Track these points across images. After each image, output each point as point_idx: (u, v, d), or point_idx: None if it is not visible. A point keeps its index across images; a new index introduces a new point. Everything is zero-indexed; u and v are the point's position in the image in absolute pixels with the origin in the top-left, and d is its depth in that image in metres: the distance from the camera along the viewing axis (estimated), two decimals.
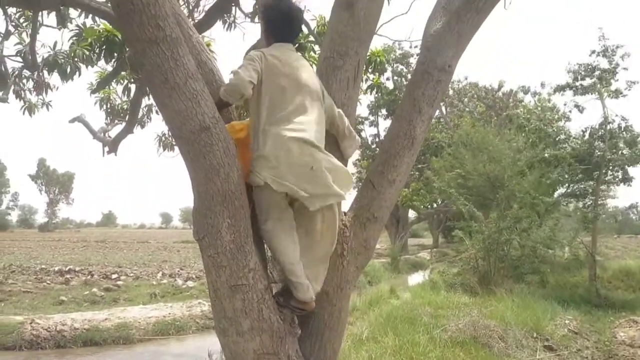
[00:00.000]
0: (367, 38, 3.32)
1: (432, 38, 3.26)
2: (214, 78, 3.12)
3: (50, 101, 6.99)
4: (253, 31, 7.60)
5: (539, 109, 17.00)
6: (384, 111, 32.46)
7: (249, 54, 2.93)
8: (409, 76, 29.17)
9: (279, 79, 2.85)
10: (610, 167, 14.31)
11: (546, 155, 14.05)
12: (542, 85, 24.04)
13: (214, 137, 2.63)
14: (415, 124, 3.18)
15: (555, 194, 15.39)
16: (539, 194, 13.45)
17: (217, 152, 2.64)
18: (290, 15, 3.12)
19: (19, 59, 5.84)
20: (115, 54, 5.28)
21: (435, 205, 30.36)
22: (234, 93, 2.80)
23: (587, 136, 14.46)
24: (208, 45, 5.88)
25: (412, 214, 34.03)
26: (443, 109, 30.91)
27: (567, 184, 14.97)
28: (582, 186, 14.84)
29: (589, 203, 14.90)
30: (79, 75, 5.65)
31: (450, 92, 30.86)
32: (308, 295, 2.86)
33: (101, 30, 5.26)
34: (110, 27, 5.11)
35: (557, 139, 14.51)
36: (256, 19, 7.09)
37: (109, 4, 4.32)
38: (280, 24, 3.11)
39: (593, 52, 14.11)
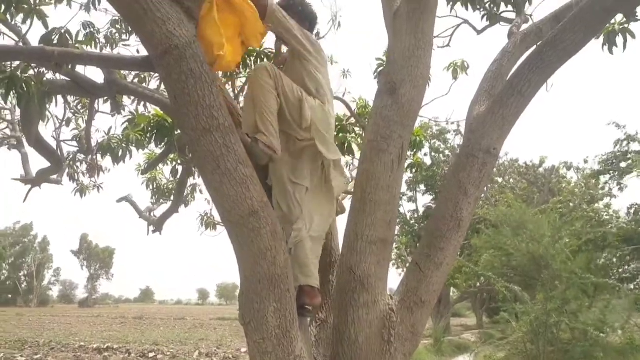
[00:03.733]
0: (410, 122, 3.38)
1: (476, 121, 3.30)
2: None
3: (101, 183, 7.28)
4: None
5: (582, 186, 16.69)
6: (422, 187, 32.36)
7: None
8: (447, 152, 29.30)
9: None
10: None
11: (591, 237, 13.66)
12: (585, 161, 23.74)
13: (262, 221, 2.67)
14: (461, 206, 3.16)
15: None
16: (587, 274, 12.95)
17: (264, 235, 2.68)
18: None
19: (74, 143, 6.15)
20: (165, 138, 5.49)
21: (478, 284, 29.46)
22: None
23: (632, 215, 14.07)
24: None
25: (454, 292, 33.04)
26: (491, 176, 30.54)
27: (616, 268, 14.42)
28: (632, 267, 14.26)
29: None
30: (130, 157, 5.89)
31: None
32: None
33: (152, 116, 5.53)
34: (161, 112, 5.36)
35: (601, 219, 14.16)
36: None
37: (162, 93, 4.56)
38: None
39: (618, 141, 14.09)
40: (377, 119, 3.33)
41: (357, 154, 5.90)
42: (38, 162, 5.84)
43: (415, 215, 32.21)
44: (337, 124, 6.20)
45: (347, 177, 3.58)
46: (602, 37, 4.41)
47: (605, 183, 15.07)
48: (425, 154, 29.00)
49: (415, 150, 7.75)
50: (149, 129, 5.55)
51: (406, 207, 33.49)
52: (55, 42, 3.96)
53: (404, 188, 32.76)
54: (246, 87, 3.36)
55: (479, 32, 4.94)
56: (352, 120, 6.27)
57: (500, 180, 31.15)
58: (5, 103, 5.96)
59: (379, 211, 3.17)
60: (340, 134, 6.05)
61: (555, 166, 29.90)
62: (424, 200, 31.59)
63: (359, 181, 3.29)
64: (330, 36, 8.58)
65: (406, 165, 8.14)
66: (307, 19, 3.63)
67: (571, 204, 14.90)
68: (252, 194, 2.66)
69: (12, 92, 3.90)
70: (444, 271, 3.17)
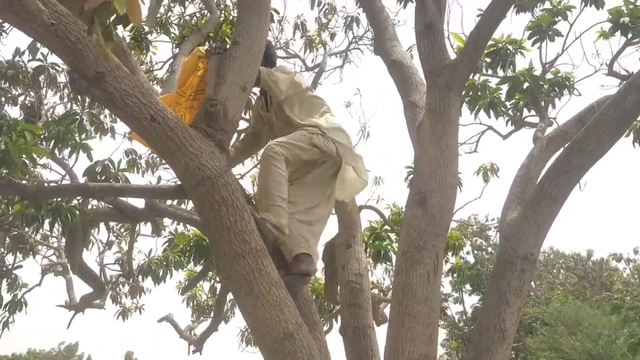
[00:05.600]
0: (442, 231, 3.36)
1: (509, 227, 3.28)
2: None
3: (142, 305, 7.34)
4: (330, 221, 7.85)
5: (636, 277, 15.92)
6: (468, 287, 31.34)
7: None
8: (490, 249, 28.60)
9: None
10: None
11: None
12: (635, 251, 22.77)
13: (297, 344, 2.63)
14: (504, 317, 3.06)
15: None
16: None
17: (300, 359, 2.62)
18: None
19: (116, 266, 6.32)
20: (204, 256, 5.59)
21: None
22: None
23: None
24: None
25: None
26: (532, 282, 29.51)
27: None
28: None
29: None
30: (170, 277, 5.98)
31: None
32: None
33: (191, 236, 5.67)
34: (199, 232, 5.50)
35: None
36: (333, 210, 7.41)
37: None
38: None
39: None
40: (409, 230, 3.33)
41: (394, 261, 5.84)
42: (82, 288, 5.98)
43: (464, 318, 30.95)
44: (372, 232, 6.22)
45: (365, 179, 3.51)
46: (631, 134, 4.43)
47: None
48: (468, 252, 28.39)
49: (454, 253, 7.62)
50: (188, 248, 5.67)
51: (453, 309, 32.30)
52: (98, 172, 4.20)
53: (448, 289, 31.77)
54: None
55: (504, 137, 5.03)
56: (387, 227, 6.28)
57: (548, 275, 29.99)
58: (51, 232, 6.22)
59: (419, 325, 3.08)
60: (376, 242, 6.04)
61: (604, 258, 28.73)
62: (471, 300, 30.45)
63: (395, 294, 3.24)
64: (360, 145, 8.83)
65: (448, 268, 7.99)
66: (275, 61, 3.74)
67: (627, 298, 14.12)
68: (287, 316, 2.64)
69: (57, 222, 4.09)
70: None
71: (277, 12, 7.40)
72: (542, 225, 3.16)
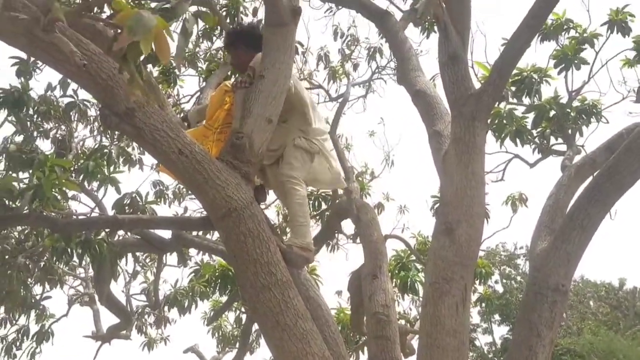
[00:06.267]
0: (470, 262, 3.31)
1: (539, 258, 3.22)
2: (322, 313, 3.20)
3: (168, 335, 7.36)
4: (356, 251, 7.83)
5: None
6: (497, 317, 30.66)
7: None
8: (519, 278, 28.01)
9: None
10: None
11: None
12: None
13: None
14: (536, 350, 2.98)
15: None
16: None
17: None
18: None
19: (142, 297, 6.36)
20: (229, 287, 5.60)
21: None
22: None
23: None
24: (313, 270, 6.12)
25: None
26: (563, 313, 28.72)
27: None
28: None
29: None
30: (195, 307, 5.99)
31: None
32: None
33: (216, 266, 5.69)
34: (225, 262, 5.51)
35: None
36: (358, 240, 7.39)
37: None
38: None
39: None
40: (436, 260, 3.28)
41: (421, 292, 5.76)
42: (109, 318, 6.02)
43: (493, 349, 30.20)
44: (397, 261, 6.17)
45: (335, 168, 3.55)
46: None
47: None
48: (496, 281, 27.86)
49: (482, 281, 7.49)
50: (214, 278, 5.69)
51: (482, 340, 31.58)
52: (127, 204, 4.26)
53: (477, 319, 31.12)
54: None
55: (531, 166, 4.97)
56: (413, 257, 6.21)
57: (579, 305, 29.19)
58: (80, 264, 6.30)
59: (447, 358, 3.02)
60: (402, 272, 5.97)
61: (637, 287, 27.88)
62: (501, 331, 29.74)
63: (423, 325, 3.19)
64: (384, 174, 8.82)
65: (476, 298, 7.84)
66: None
67: None
68: (314, 349, 2.63)
69: (87, 254, 4.15)
70: None
71: (301, 45, 7.51)
72: (573, 255, 3.10)
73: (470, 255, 3.27)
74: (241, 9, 6.36)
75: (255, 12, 6.99)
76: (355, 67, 8.72)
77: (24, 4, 1.72)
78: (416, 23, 6.24)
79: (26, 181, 3.93)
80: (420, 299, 5.95)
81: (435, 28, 6.07)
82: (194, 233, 5.80)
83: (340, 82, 8.46)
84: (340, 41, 8.39)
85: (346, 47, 8.59)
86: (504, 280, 28.50)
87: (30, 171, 4.48)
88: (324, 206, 7.33)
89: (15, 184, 3.63)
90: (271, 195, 6.94)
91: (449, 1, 3.62)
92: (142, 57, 1.40)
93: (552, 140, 4.84)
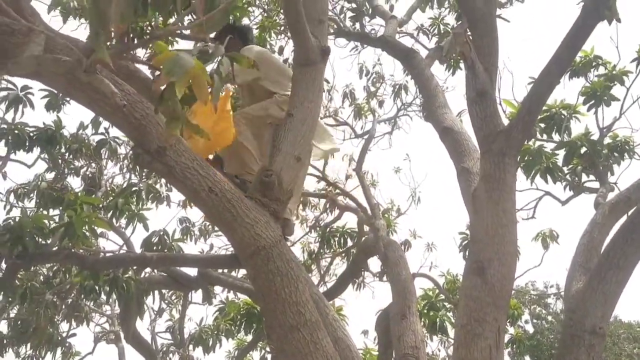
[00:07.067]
0: (504, 303, 3.22)
1: (575, 299, 3.12)
2: (351, 355, 3.12)
3: None
4: (382, 289, 7.74)
5: None
6: (527, 358, 29.73)
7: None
8: (549, 318, 27.22)
9: None
10: None
11: None
12: None
13: None
14: None
15: None
16: None
17: None
18: None
19: (168, 334, 6.33)
20: (255, 325, 5.55)
21: None
22: None
23: None
24: (339, 309, 6.03)
25: None
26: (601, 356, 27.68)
27: None
28: None
29: None
30: (220, 346, 5.93)
31: None
32: None
33: (242, 304, 5.65)
34: (250, 300, 5.47)
35: None
36: (384, 278, 7.28)
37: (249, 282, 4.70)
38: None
39: None
40: (468, 301, 3.20)
41: (451, 333, 5.62)
42: (134, 356, 5.99)
43: None
44: (426, 301, 6.05)
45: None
46: None
47: None
48: (527, 322, 27.11)
49: (512, 322, 7.31)
50: (239, 316, 5.64)
51: None
52: (155, 242, 4.29)
53: None
54: None
55: (563, 203, 4.88)
56: (442, 296, 6.09)
57: (614, 347, 28.15)
58: (108, 302, 6.32)
59: None
60: (431, 312, 5.85)
61: None
62: None
63: None
64: (411, 211, 8.75)
65: (506, 340, 7.63)
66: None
67: None
68: None
69: (114, 292, 4.16)
70: None
71: (327, 82, 7.60)
72: (610, 296, 2.99)
73: (503, 295, 3.18)
74: (268, 47, 6.47)
75: (281, 50, 7.13)
76: (381, 104, 8.77)
77: (65, 46, 1.77)
78: (442, 60, 6.28)
79: (56, 218, 3.99)
80: (450, 339, 5.80)
81: (461, 65, 6.12)
82: (220, 270, 5.80)
83: (366, 119, 8.51)
84: (365, 79, 8.47)
85: (371, 85, 8.66)
86: (535, 320, 27.72)
87: (61, 208, 4.56)
88: (349, 243, 7.27)
89: (45, 221, 3.70)
90: (297, 232, 6.94)
91: (476, 38, 3.64)
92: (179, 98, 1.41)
93: (584, 177, 4.75)
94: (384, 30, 6.08)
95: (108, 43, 1.38)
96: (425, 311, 5.81)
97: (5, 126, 4.95)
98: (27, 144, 4.93)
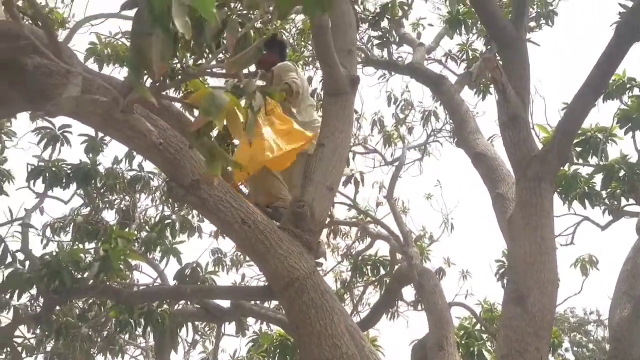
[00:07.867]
0: (545, 332, 3.12)
1: (620, 328, 3.01)
2: None
3: None
4: (417, 319, 7.59)
5: None
6: None
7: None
8: (590, 346, 26.30)
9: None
10: None
11: None
12: None
13: None
14: None
15: None
16: None
17: None
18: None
19: None
20: (288, 357, 5.49)
21: None
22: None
23: None
24: (374, 340, 5.92)
25: None
26: None
27: None
28: None
29: None
30: None
31: None
32: None
33: (275, 336, 5.61)
34: (284, 332, 5.43)
35: None
36: (419, 306, 7.15)
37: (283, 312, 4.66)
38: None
39: None
40: (508, 332, 3.11)
41: None
42: None
43: None
44: (463, 331, 5.90)
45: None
46: None
47: None
48: (567, 350, 26.23)
49: (552, 351, 7.05)
50: (272, 349, 5.59)
51: None
52: (188, 275, 4.30)
53: None
54: None
55: (603, 228, 4.74)
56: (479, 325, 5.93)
57: None
58: (144, 336, 6.34)
59: None
60: (467, 341, 5.69)
61: None
62: None
63: None
64: (444, 239, 8.61)
65: None
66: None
67: None
68: None
69: (149, 326, 4.18)
70: None
71: (356, 111, 7.61)
72: None
73: (544, 325, 3.09)
74: None
75: (309, 80, 7.19)
76: (410, 130, 8.73)
77: (102, 86, 1.81)
78: (471, 86, 6.25)
79: (91, 252, 4.05)
80: None
81: (492, 89, 6.08)
82: (253, 302, 5.78)
83: (396, 146, 8.47)
84: (394, 106, 8.46)
85: (400, 112, 8.65)
86: (576, 349, 26.81)
87: (96, 242, 4.63)
88: (382, 272, 7.18)
89: (82, 255, 3.76)
90: (329, 261, 6.89)
91: (506, 63, 3.61)
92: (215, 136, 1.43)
93: (624, 201, 4.61)
94: (413, 57, 6.09)
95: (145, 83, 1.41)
96: (463, 342, 5.66)
97: (43, 164, 5.07)
98: (64, 181, 5.04)
